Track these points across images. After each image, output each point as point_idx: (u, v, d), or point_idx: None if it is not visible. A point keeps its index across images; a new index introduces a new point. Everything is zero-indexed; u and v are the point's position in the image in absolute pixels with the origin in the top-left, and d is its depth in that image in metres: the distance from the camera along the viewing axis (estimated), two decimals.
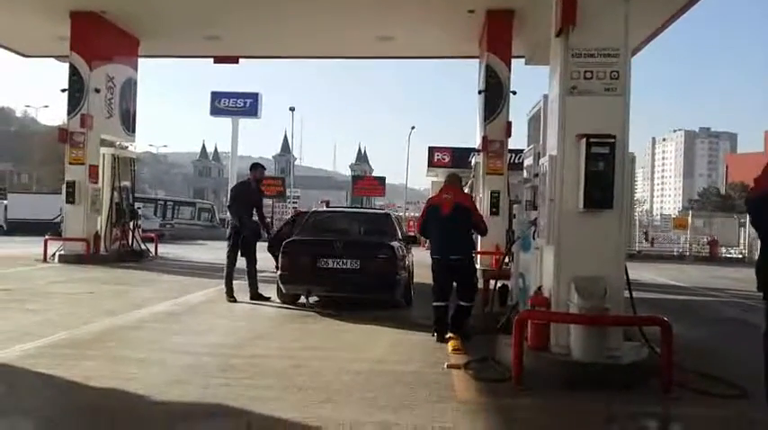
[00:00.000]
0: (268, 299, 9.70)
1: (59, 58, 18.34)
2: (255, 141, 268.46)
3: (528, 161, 7.55)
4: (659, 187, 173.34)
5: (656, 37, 15.43)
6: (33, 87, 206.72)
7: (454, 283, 7.43)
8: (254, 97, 64.58)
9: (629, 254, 23.71)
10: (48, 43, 17.84)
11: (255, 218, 10.09)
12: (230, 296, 9.64)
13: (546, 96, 6.68)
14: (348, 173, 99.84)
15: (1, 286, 10.61)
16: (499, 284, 8.20)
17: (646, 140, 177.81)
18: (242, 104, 63.67)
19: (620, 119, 5.84)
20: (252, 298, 9.72)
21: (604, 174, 5.62)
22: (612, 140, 5.67)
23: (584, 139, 5.69)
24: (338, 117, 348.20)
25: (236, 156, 69.73)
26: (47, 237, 16.40)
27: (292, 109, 56.54)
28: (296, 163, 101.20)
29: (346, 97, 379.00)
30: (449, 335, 7.11)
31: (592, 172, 5.64)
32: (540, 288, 6.05)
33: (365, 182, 44.16)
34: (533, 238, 6.75)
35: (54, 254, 15.41)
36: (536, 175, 6.80)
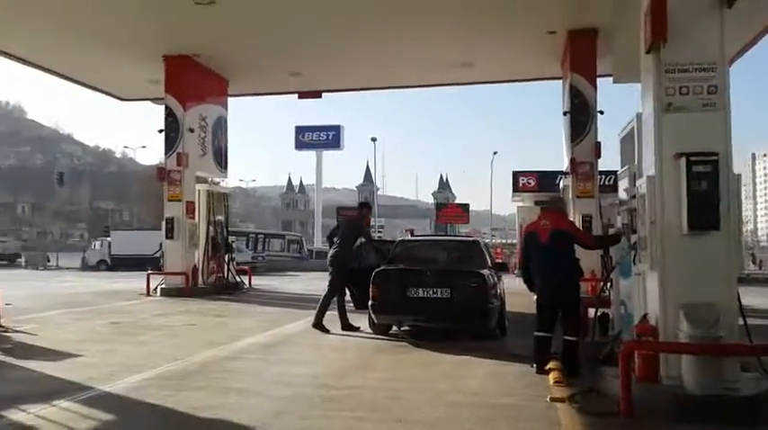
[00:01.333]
0: (358, 329, 9.76)
1: (155, 100, 19.48)
2: (339, 172, 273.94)
3: (623, 183, 7.28)
4: (763, 206, 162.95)
5: (755, 45, 14.68)
6: (131, 129, 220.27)
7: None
8: (337, 130, 66.33)
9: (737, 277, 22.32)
10: (143, 87, 19.01)
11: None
12: (321, 326, 9.74)
13: (639, 115, 6.45)
14: (430, 200, 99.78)
15: (109, 320, 11.21)
16: (599, 312, 7.88)
17: (745, 156, 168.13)
18: (325, 137, 65.59)
19: (722, 135, 5.55)
20: (343, 328, 9.80)
21: (708, 193, 5.35)
22: (715, 158, 5.40)
23: (684, 158, 5.44)
24: (419, 145, 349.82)
25: (321, 187, 71.47)
26: (149, 271, 17.27)
27: (374, 139, 57.49)
28: (378, 192, 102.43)
29: (427, 125, 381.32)
30: (549, 366, 6.87)
31: (694, 192, 5.37)
32: (645, 316, 5.77)
33: (449, 209, 44.03)
34: (634, 263, 6.47)
35: (156, 287, 16.17)
36: (633, 197, 6.54)
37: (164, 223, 16.84)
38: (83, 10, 13.70)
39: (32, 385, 6.24)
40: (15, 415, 5.08)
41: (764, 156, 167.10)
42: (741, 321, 5.71)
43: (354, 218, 11.14)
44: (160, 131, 17.07)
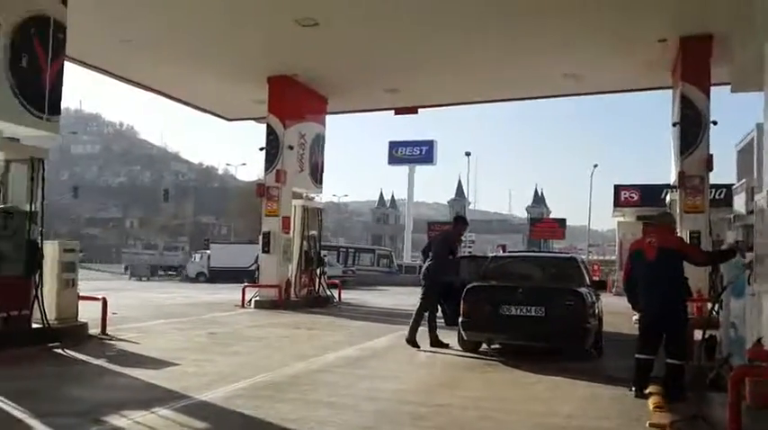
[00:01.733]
0: (447, 345, 9.59)
1: (257, 119, 20.22)
2: (430, 187, 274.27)
3: (740, 197, 6.78)
4: None
5: None
6: (233, 147, 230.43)
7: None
8: (430, 145, 66.43)
9: None
10: (248, 107, 19.76)
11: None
12: (414, 341, 9.65)
13: (759, 125, 5.98)
14: (524, 215, 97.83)
15: (206, 330, 11.61)
16: (706, 334, 7.34)
17: None
18: (418, 152, 65.78)
19: None
20: (432, 344, 9.66)
21: None
22: None
23: None
24: (513, 159, 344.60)
25: (412, 202, 71.68)
26: (245, 284, 17.83)
27: (468, 154, 57.16)
28: (470, 207, 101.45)
29: (522, 138, 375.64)
30: (649, 390, 6.46)
31: None
32: (760, 340, 5.30)
33: (543, 224, 42.99)
34: (748, 283, 5.98)
35: (250, 300, 16.65)
36: (750, 212, 6.06)
37: (260, 237, 17.34)
38: (191, 33, 14.45)
39: (133, 392, 6.51)
40: (117, 420, 5.29)
41: None
42: None
43: (448, 232, 10.98)
44: (261, 149, 17.63)
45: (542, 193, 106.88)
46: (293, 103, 17.73)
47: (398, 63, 15.93)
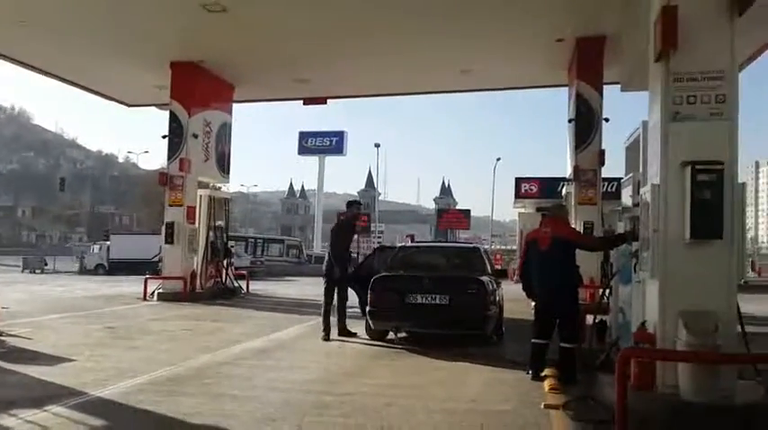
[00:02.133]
0: (355, 334, 9.69)
1: (160, 106, 19.46)
2: (341, 178, 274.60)
3: (627, 190, 7.22)
4: (765, 214, 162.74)
5: (762, 54, 14.60)
6: (134, 134, 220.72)
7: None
8: (340, 135, 66.39)
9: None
10: (149, 92, 18.98)
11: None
12: (327, 335, 9.58)
13: (645, 123, 6.39)
14: (432, 206, 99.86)
15: (105, 324, 11.13)
16: (597, 319, 7.82)
17: (748, 165, 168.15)
18: (328, 143, 65.68)
19: (728, 144, 5.47)
20: (339, 333, 9.73)
21: (712, 202, 5.27)
22: (720, 167, 5.32)
23: (690, 167, 5.37)
24: (422, 151, 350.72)
25: (322, 192, 71.47)
26: (147, 275, 17.21)
27: (377, 145, 57.46)
28: (380, 198, 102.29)
29: (430, 131, 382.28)
30: (545, 373, 6.80)
31: (698, 200, 5.30)
32: (644, 323, 5.70)
33: (450, 215, 43.89)
34: (634, 271, 6.41)
35: (153, 292, 16.10)
36: (636, 205, 6.48)
37: (164, 228, 16.77)
38: (90, 15, 13.64)
39: (25, 390, 6.17)
40: (6, 420, 5.02)
41: None
42: (739, 329, 5.65)
43: (344, 220, 10.45)
44: (164, 137, 17.01)
45: (449, 185, 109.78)
46: (198, 90, 17.18)
47: (308, 53, 15.76)
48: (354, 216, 10.53)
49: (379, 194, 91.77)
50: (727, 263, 5.37)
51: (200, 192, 17.43)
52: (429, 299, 8.82)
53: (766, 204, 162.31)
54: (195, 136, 17.02)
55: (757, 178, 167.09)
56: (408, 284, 9.02)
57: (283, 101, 23.07)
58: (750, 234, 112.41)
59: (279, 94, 20.94)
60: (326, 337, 9.49)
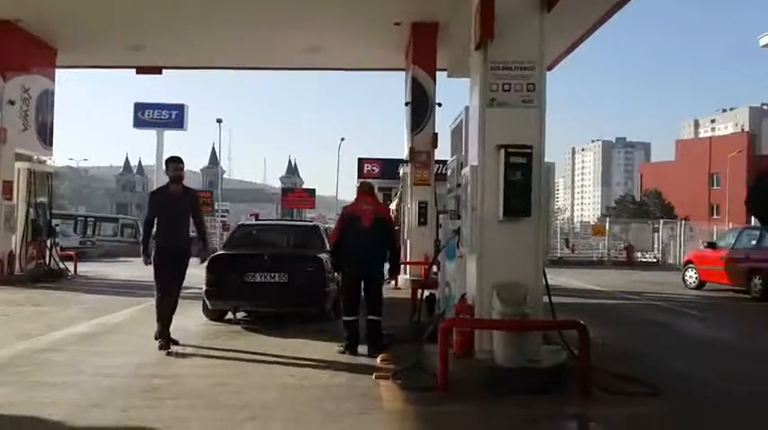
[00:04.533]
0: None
1: None
2: (182, 154, 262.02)
3: (451, 171, 7.70)
4: (579, 196, 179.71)
5: (575, 50, 16.07)
6: None
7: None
8: (180, 109, 62.92)
9: (552, 260, 24.54)
10: None
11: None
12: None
13: (467, 108, 6.85)
14: (279, 185, 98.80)
15: None
16: (426, 293, 8.28)
17: (566, 151, 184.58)
18: (167, 116, 61.96)
19: (537, 130, 6.05)
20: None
21: (522, 183, 5.82)
22: (529, 151, 5.87)
23: (503, 150, 5.86)
24: (268, 129, 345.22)
25: (161, 169, 67.75)
26: None
27: (219, 121, 55.44)
28: (225, 176, 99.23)
29: (275, 109, 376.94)
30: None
31: (510, 181, 5.82)
32: (464, 296, 6.17)
33: (295, 194, 43.86)
34: (457, 247, 6.87)
35: None
36: (458, 185, 6.94)
37: None
38: None
39: None
40: None
41: (582, 150, 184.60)
42: (546, 299, 6.30)
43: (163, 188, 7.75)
44: None
45: (296, 164, 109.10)
46: (13, 51, 15.50)
47: (139, 17, 14.82)
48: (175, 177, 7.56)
49: (224, 172, 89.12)
50: (535, 239, 5.96)
51: (19, 165, 15.89)
52: (268, 277, 8.81)
53: (580, 187, 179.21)
54: (12, 103, 15.44)
55: (574, 163, 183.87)
56: (246, 262, 8.95)
57: (115, 68, 21.66)
58: (567, 214, 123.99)
59: (109, 60, 19.55)
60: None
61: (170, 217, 7.33)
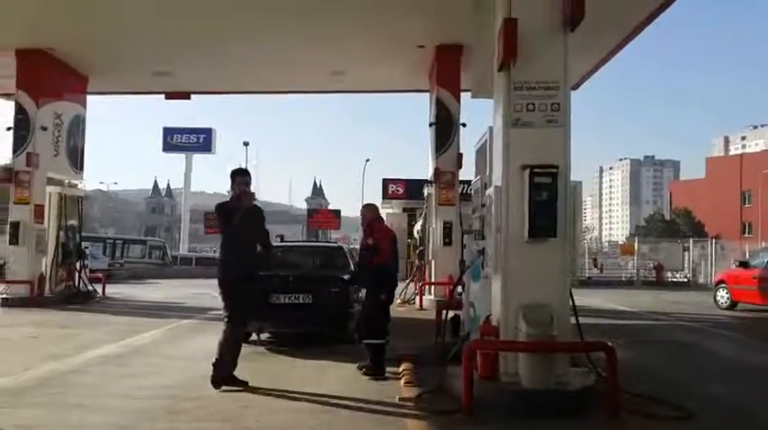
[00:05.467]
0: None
1: (4, 96, 17.95)
2: (210, 177, 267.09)
3: (475, 191, 7.66)
4: (607, 214, 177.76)
5: (601, 68, 16.00)
6: None
7: None
8: (208, 133, 64.22)
9: (580, 280, 24.22)
10: None
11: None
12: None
13: (491, 128, 6.83)
14: (304, 206, 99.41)
15: None
16: (451, 314, 8.22)
17: (594, 169, 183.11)
18: (195, 140, 63.31)
19: (562, 149, 6.00)
20: None
21: (548, 203, 5.75)
22: (555, 170, 5.82)
23: (528, 170, 5.82)
24: (294, 151, 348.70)
25: (189, 191, 68.88)
26: None
27: (246, 143, 56.18)
28: None
29: (302, 131, 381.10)
30: (402, 367, 7.07)
31: (536, 202, 5.77)
32: (488, 317, 6.10)
33: (320, 215, 44.08)
34: (482, 268, 6.82)
35: None
36: (483, 206, 6.90)
37: (8, 227, 15.47)
38: None
39: None
40: None
41: (610, 169, 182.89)
42: (574, 321, 6.19)
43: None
44: (8, 129, 15.78)
45: (321, 185, 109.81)
46: (48, 79, 16.03)
47: (167, 44, 15.18)
48: (235, 191, 6.73)
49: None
50: (562, 259, 5.88)
51: (50, 189, 16.26)
52: (292, 298, 8.84)
53: (608, 206, 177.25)
54: (44, 128, 15.89)
55: (601, 182, 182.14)
56: (271, 284, 8.97)
57: (144, 94, 22.05)
58: (594, 233, 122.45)
59: (138, 86, 19.99)
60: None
61: (242, 235, 6.52)
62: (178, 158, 64.71)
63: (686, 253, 29.91)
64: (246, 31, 14.32)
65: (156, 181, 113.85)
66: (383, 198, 28.03)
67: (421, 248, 17.04)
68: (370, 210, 7.70)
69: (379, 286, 7.30)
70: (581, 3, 5.77)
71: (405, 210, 27.73)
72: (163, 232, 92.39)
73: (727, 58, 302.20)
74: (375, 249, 7.22)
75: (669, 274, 28.88)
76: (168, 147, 63.41)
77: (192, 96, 19.75)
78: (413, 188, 25.33)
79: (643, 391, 5.89)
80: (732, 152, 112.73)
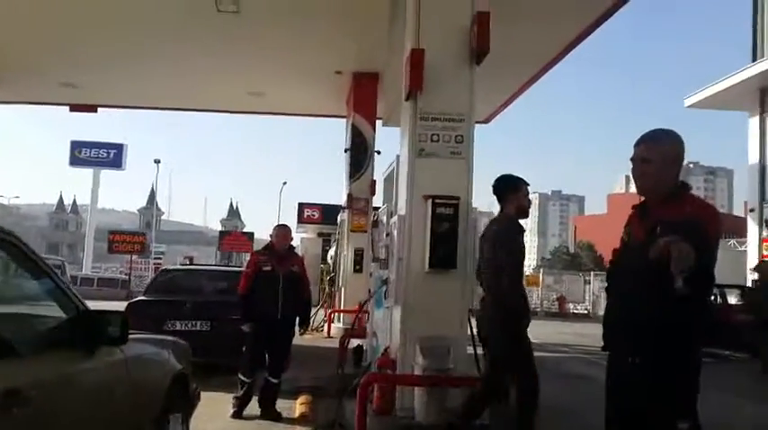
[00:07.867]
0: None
1: None
2: (119, 194, 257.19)
3: (380, 219, 7.59)
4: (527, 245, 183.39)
5: (512, 103, 16.44)
6: None
7: None
8: (119, 148, 61.72)
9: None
10: None
11: None
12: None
13: (398, 157, 6.80)
14: (219, 228, 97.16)
15: None
16: (355, 344, 8.05)
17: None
18: (105, 155, 60.61)
19: (465, 181, 6.02)
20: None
21: (449, 234, 5.73)
22: (456, 202, 5.82)
23: (430, 200, 5.79)
24: (210, 171, 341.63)
25: (96, 208, 65.85)
26: None
27: (158, 161, 54.68)
28: (164, 217, 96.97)
29: (218, 151, 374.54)
30: (300, 400, 6.82)
31: (437, 232, 5.73)
32: (386, 349, 5.98)
33: (232, 238, 43.21)
34: (384, 297, 6.71)
35: None
36: (387, 234, 6.83)
37: None
38: None
39: None
40: None
41: None
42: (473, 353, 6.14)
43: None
44: None
45: (237, 207, 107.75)
46: None
47: (73, 55, 14.45)
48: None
49: (162, 213, 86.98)
50: (461, 291, 5.85)
51: None
52: (189, 325, 8.43)
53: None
54: None
55: None
56: (167, 309, 8.54)
57: (49, 104, 20.91)
58: None
59: (43, 97, 18.95)
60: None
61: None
62: (86, 173, 61.79)
63: (587, 285, 31.14)
64: (159, 47, 13.85)
65: (61, 196, 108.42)
66: (298, 222, 27.69)
67: (332, 274, 16.86)
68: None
69: None
70: (486, 37, 5.85)
71: (320, 234, 27.51)
72: (66, 249, 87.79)
73: (630, 104, 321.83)
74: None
75: (571, 306, 29.89)
76: (75, 160, 60.47)
77: (105, 111, 18.97)
78: (328, 213, 25.15)
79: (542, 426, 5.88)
80: (632, 190, 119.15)
